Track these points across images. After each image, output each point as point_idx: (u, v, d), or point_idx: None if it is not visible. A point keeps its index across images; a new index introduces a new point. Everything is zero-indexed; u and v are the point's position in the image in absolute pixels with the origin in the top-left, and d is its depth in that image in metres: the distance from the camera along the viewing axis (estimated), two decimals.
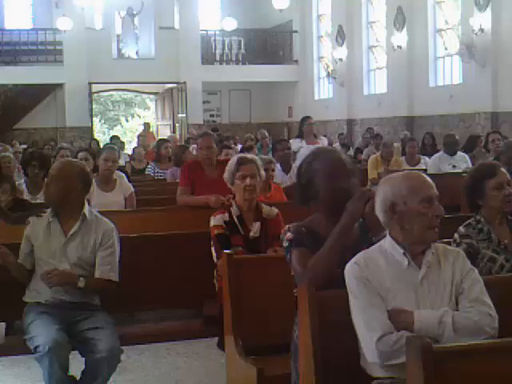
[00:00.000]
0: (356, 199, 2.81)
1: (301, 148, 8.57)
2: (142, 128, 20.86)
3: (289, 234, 2.97)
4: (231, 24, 20.29)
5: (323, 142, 9.00)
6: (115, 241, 3.89)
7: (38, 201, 5.84)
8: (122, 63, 20.66)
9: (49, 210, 3.91)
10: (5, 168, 6.58)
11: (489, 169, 3.64)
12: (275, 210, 4.29)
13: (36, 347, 3.48)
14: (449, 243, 3.22)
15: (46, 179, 4.66)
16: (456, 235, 3.55)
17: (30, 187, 6.33)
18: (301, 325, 2.79)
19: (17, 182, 6.30)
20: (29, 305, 3.82)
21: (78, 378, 3.64)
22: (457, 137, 8.98)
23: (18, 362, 4.55)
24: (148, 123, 20.82)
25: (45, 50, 19.85)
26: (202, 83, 20.90)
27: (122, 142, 15.62)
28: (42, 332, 3.52)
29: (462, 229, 3.57)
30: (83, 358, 3.64)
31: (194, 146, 9.07)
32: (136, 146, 13.00)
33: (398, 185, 2.71)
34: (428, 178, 2.76)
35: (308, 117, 9.17)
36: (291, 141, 8.98)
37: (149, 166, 9.70)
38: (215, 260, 4.13)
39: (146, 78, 20.26)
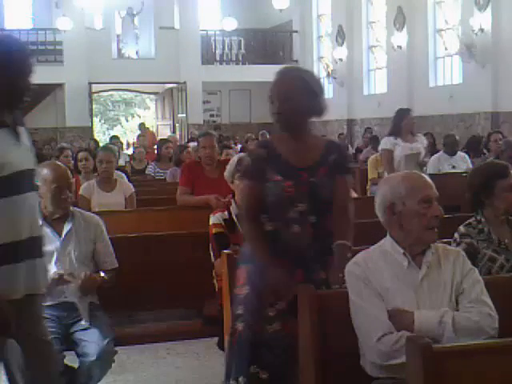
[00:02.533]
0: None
1: (396, 146, 7.07)
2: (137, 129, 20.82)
3: (247, 160, 3.17)
4: (231, 24, 20.29)
5: (422, 141, 7.35)
6: (105, 230, 4.02)
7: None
8: (122, 63, 20.65)
9: None
10: None
11: (501, 169, 3.60)
12: None
13: None
14: (449, 243, 3.22)
15: None
16: (456, 234, 3.54)
17: None
18: (301, 325, 2.79)
19: None
20: None
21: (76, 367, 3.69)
22: (457, 137, 8.97)
23: None
24: (143, 123, 20.75)
25: (45, 50, 19.81)
26: (202, 83, 20.90)
27: (122, 143, 15.62)
28: None
29: (462, 228, 3.55)
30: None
31: (193, 143, 9.05)
32: (136, 146, 13.00)
33: (397, 185, 2.71)
34: (427, 179, 2.76)
35: (408, 109, 7.49)
36: (383, 139, 7.42)
37: (149, 166, 9.70)
38: (213, 259, 4.13)
39: (145, 78, 20.26)
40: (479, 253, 3.47)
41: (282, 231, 3.01)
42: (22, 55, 2.89)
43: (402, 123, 7.14)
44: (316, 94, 3.11)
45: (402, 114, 7.26)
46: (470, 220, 3.58)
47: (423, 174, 2.82)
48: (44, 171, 3.84)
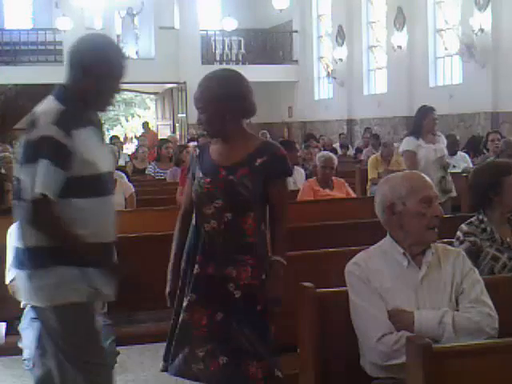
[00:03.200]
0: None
1: (419, 148, 6.61)
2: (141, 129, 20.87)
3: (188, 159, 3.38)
4: (231, 24, 20.29)
5: (443, 140, 6.92)
6: None
7: None
8: None
9: None
10: (7, 168, 6.56)
11: (505, 166, 3.59)
12: None
13: (24, 360, 3.52)
14: (449, 243, 3.21)
15: None
16: (459, 233, 3.50)
17: None
18: (301, 325, 2.79)
19: None
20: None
21: None
22: (457, 137, 8.97)
23: (18, 362, 4.53)
24: (147, 122, 20.76)
25: (45, 50, 19.82)
26: None
27: (122, 142, 15.62)
28: (29, 345, 3.48)
29: (464, 227, 3.51)
30: None
31: (193, 143, 9.05)
32: (138, 145, 13.03)
33: (398, 185, 2.71)
34: (427, 179, 2.76)
35: (431, 107, 6.91)
36: (405, 140, 6.90)
37: (149, 166, 9.71)
38: None
39: (145, 78, 20.21)
40: (482, 251, 3.45)
41: (201, 226, 3.14)
42: (116, 57, 2.85)
43: (423, 122, 6.72)
44: (239, 97, 3.20)
45: (425, 112, 6.82)
46: (472, 219, 3.56)
47: (423, 174, 2.82)
48: None
